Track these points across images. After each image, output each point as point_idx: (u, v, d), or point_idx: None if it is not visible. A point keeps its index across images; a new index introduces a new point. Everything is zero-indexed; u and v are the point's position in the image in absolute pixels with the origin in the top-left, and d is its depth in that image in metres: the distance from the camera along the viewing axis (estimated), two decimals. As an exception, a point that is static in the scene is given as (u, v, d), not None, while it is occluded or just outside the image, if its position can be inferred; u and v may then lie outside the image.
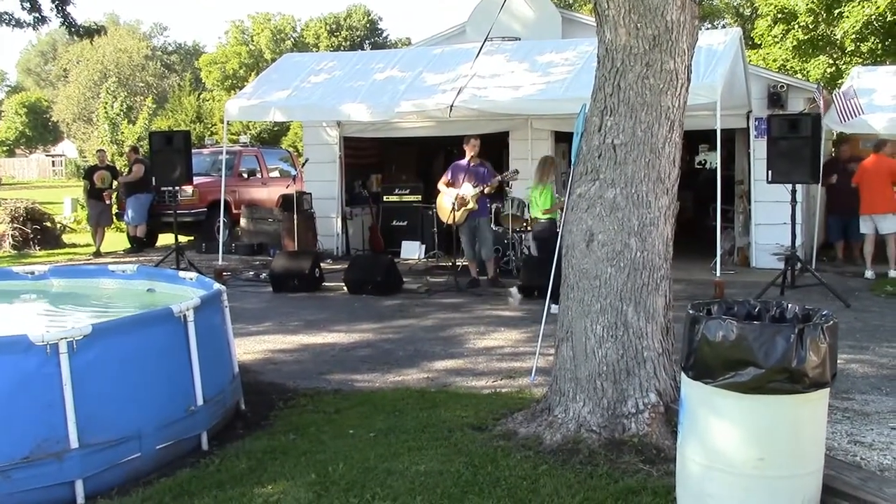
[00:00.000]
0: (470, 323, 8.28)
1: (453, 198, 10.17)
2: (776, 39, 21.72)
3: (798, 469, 3.40)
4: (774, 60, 21.98)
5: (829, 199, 11.78)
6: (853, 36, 19.80)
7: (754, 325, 3.39)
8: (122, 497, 4.00)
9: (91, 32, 16.24)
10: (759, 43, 23.27)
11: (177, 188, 12.17)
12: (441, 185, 10.48)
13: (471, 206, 10.14)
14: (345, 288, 10.12)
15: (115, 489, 4.06)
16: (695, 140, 16.26)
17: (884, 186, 10.69)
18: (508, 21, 12.07)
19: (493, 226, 10.83)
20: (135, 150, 15.51)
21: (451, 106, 9.85)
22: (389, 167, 15.58)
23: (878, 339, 7.32)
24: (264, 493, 3.99)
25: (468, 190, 10.12)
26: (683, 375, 3.57)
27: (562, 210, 6.79)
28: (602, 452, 4.25)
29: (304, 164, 13.88)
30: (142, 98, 40.59)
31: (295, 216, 12.10)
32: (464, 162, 10.36)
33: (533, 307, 8.66)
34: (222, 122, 15.18)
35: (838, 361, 3.49)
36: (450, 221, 10.30)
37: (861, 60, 19.88)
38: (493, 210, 10.90)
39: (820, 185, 11.20)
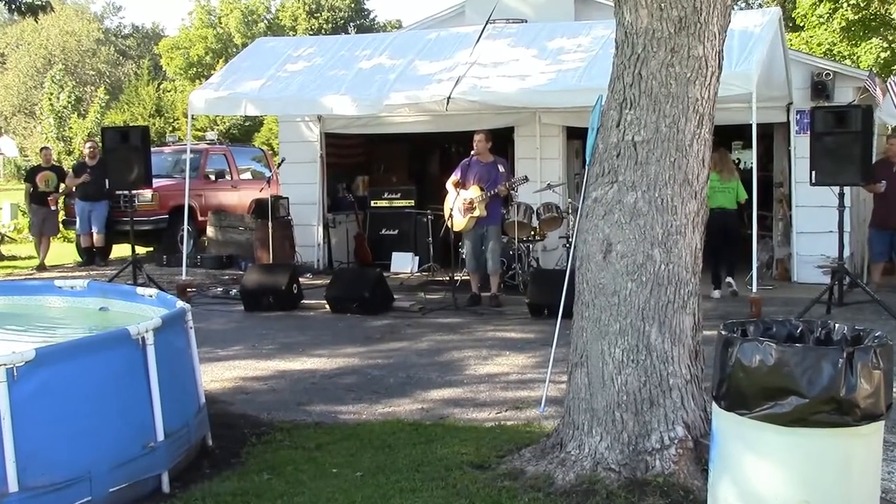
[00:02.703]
0: (470, 346, 8.29)
1: (451, 203, 10.19)
2: (821, 20, 21.81)
3: (848, 513, 3.40)
4: (819, 45, 22.09)
5: (874, 207, 11.08)
6: (911, 15, 19.91)
7: (796, 348, 3.40)
8: (69, 547, 4.00)
9: (35, 9, 16.21)
10: (801, 25, 23.39)
11: (134, 192, 12.17)
12: (449, 185, 10.51)
13: (477, 213, 10.15)
14: (327, 306, 10.14)
15: (62, 538, 4.05)
16: (727, 136, 16.31)
17: None
18: (513, 1, 12.13)
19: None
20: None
21: (448, 98, 9.87)
22: (378, 168, 15.62)
23: (939, 363, 7.31)
24: (234, 542, 4.00)
25: (471, 194, 10.14)
26: (715, 406, 3.58)
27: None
28: (622, 494, 4.25)
29: (279, 165, 13.90)
30: (93, 88, 40.68)
31: (269, 224, 12.11)
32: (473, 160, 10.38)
33: (542, 328, 8.67)
34: (186, 117, 15.21)
35: (894, 390, 3.50)
36: (455, 228, 10.32)
37: (920, 44, 19.98)
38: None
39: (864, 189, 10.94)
